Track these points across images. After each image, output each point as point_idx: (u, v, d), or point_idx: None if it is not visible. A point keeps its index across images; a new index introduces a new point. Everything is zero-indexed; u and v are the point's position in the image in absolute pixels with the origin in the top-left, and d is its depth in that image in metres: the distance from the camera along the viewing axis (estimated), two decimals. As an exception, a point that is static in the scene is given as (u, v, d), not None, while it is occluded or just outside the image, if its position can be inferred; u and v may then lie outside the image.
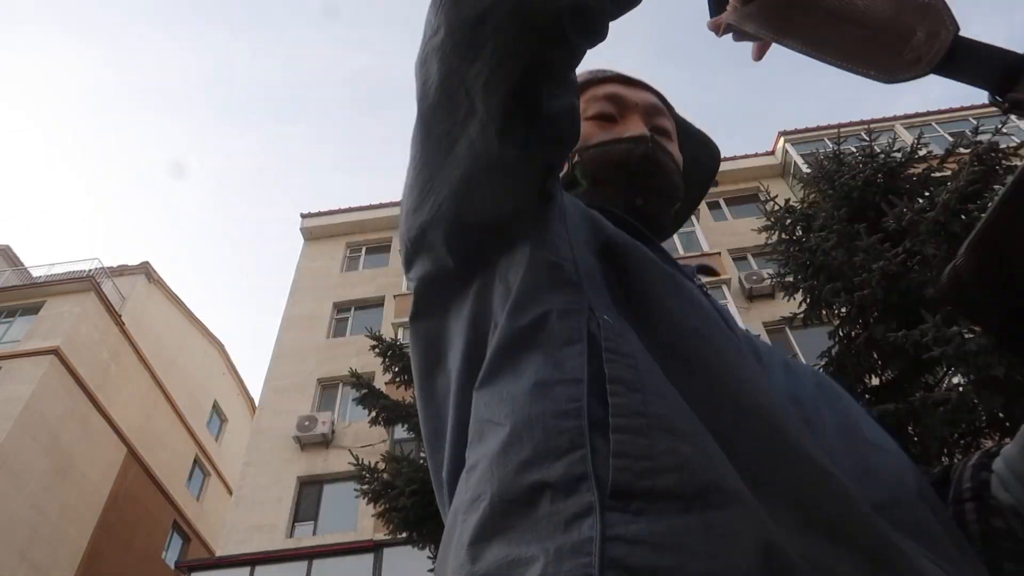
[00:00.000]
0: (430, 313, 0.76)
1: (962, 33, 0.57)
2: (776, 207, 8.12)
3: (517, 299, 0.64)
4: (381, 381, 11.05)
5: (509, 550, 0.46)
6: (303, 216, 20.65)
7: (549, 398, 0.55)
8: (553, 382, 0.56)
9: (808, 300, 7.60)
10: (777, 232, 8.03)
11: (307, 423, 14.66)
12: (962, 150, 7.62)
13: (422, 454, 8.74)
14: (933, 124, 19.19)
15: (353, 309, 18.03)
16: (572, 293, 0.63)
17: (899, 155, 7.88)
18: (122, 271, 20.98)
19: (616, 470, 0.47)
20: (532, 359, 0.59)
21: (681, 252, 16.22)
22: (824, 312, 7.52)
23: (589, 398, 0.54)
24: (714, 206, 19.05)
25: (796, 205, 8.23)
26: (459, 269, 0.72)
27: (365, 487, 8.00)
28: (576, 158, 0.90)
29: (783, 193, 14.09)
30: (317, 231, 20.33)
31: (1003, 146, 7.24)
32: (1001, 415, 5.87)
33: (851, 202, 7.63)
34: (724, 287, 15.61)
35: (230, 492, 19.27)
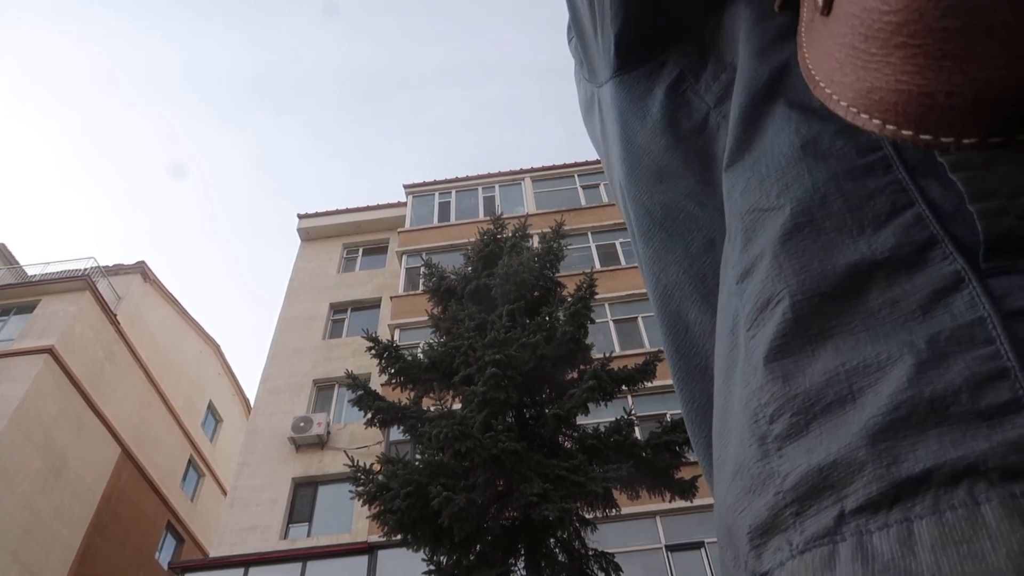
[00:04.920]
0: None
1: None
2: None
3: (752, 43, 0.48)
4: (377, 383, 11.04)
5: (841, 357, 0.33)
6: (300, 217, 20.65)
7: (832, 155, 0.39)
8: (830, 133, 0.40)
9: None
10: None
11: (302, 424, 14.63)
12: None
13: (417, 456, 8.73)
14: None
15: (350, 310, 18.01)
16: None
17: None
18: (118, 270, 20.93)
19: (984, 216, 0.33)
20: (783, 114, 0.44)
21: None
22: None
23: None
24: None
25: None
26: None
27: (360, 489, 8.00)
28: None
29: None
30: (314, 232, 20.31)
31: None
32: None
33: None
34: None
35: (224, 493, 19.24)
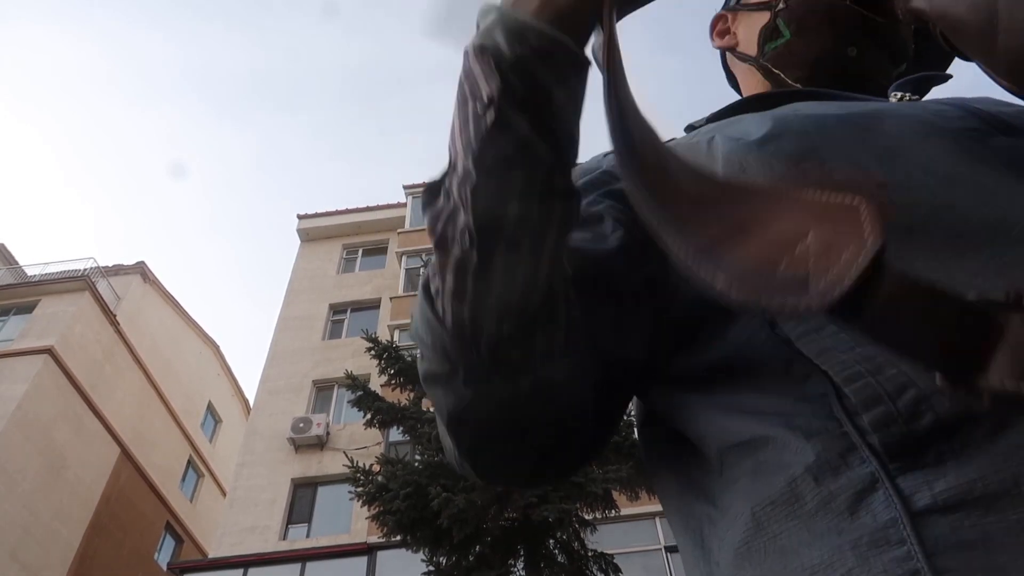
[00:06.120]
0: None
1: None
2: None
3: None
4: (377, 383, 11.03)
5: (786, 561, 0.38)
6: (300, 217, 20.64)
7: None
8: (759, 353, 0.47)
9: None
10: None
11: (302, 425, 14.62)
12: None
13: (417, 457, 8.73)
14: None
15: (349, 311, 18.00)
16: None
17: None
18: (117, 270, 20.92)
19: (876, 429, 0.37)
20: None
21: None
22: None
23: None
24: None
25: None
26: None
27: (359, 489, 7.99)
28: (781, 4, 0.77)
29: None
30: (314, 232, 20.31)
31: None
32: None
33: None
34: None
35: (224, 493, 19.22)
